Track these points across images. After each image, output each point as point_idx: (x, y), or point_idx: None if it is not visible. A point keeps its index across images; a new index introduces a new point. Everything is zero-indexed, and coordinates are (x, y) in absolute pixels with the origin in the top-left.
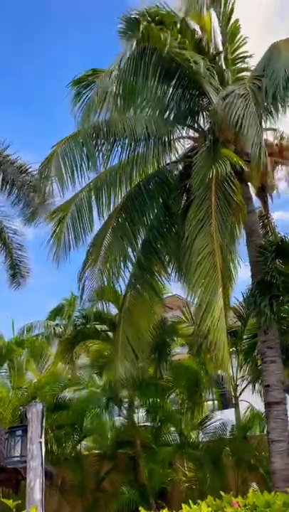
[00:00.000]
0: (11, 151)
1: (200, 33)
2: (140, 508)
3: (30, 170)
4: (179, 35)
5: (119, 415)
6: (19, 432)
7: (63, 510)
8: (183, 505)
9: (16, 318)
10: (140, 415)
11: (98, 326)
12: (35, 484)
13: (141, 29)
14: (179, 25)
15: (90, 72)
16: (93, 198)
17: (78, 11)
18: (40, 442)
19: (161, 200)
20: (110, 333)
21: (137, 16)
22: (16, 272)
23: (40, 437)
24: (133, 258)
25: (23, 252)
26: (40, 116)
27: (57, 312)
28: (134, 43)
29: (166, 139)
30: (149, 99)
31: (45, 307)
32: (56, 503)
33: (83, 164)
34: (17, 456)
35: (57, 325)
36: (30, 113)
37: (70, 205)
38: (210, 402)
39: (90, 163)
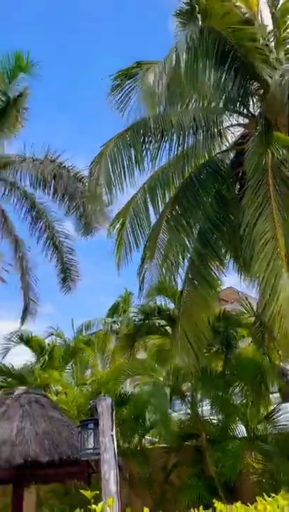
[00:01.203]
0: (62, 157)
1: (248, 14)
2: (214, 501)
3: (84, 177)
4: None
5: (183, 409)
6: (91, 425)
7: (134, 502)
8: (258, 498)
9: (74, 317)
10: (204, 408)
11: (157, 321)
12: (110, 476)
13: (199, 8)
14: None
15: (134, 64)
16: (148, 198)
17: (121, 11)
18: (112, 435)
19: (214, 189)
20: (169, 328)
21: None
22: (67, 276)
23: (112, 430)
24: (190, 249)
25: (73, 256)
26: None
27: (114, 310)
28: (191, 29)
29: (216, 128)
30: (200, 88)
31: (101, 307)
32: (126, 495)
33: (131, 164)
34: (90, 449)
35: (114, 322)
36: (77, 114)
37: (128, 210)
38: (276, 395)
39: (138, 162)
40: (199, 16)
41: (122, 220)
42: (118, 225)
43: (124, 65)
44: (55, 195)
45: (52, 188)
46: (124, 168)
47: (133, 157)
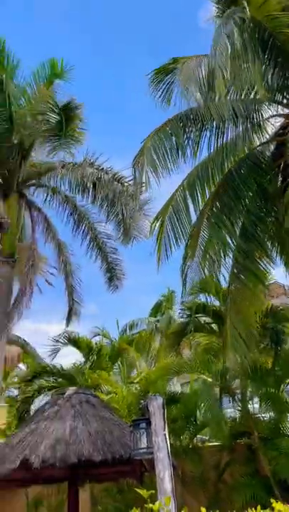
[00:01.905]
0: (100, 159)
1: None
2: (272, 500)
3: (122, 177)
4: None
5: (232, 406)
6: (143, 425)
7: (187, 501)
8: None
9: (116, 317)
10: (255, 406)
11: (202, 319)
12: (165, 475)
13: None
14: None
15: (170, 61)
16: (188, 195)
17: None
18: (165, 434)
19: (255, 183)
20: (214, 325)
21: None
22: (113, 275)
23: (164, 430)
24: (232, 246)
25: (117, 255)
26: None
27: (156, 309)
28: (238, 15)
29: (255, 120)
30: (242, 77)
31: (143, 306)
32: (179, 494)
33: (173, 154)
34: (143, 448)
35: (158, 321)
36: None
37: (167, 208)
38: None
39: (179, 147)
40: (240, 3)
41: (161, 218)
42: (158, 224)
43: (157, 62)
44: (96, 198)
45: (91, 190)
46: (167, 155)
47: (175, 144)
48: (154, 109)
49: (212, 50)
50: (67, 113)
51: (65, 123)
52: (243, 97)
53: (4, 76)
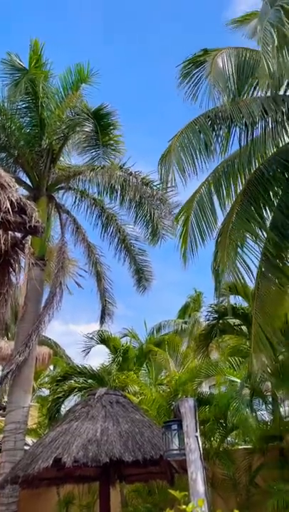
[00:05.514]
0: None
1: None
2: None
3: (151, 181)
4: None
5: (263, 409)
6: (174, 426)
7: (217, 503)
8: None
9: (146, 318)
10: (287, 409)
11: (231, 321)
12: (197, 477)
13: None
14: None
15: (200, 52)
16: (213, 191)
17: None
18: (197, 436)
19: (285, 179)
20: (244, 327)
21: None
22: (141, 277)
23: (196, 431)
24: (262, 237)
25: (145, 256)
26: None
27: (184, 310)
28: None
29: (285, 116)
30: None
31: (170, 306)
32: (210, 496)
33: (202, 152)
34: (176, 450)
35: (185, 322)
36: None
37: (191, 204)
38: None
39: (209, 149)
40: None
41: (186, 213)
42: (183, 219)
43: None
44: (123, 199)
45: (119, 192)
46: (195, 153)
47: (203, 142)
48: (184, 112)
49: (258, 41)
50: (100, 119)
51: (99, 130)
52: (273, 91)
53: (37, 80)
